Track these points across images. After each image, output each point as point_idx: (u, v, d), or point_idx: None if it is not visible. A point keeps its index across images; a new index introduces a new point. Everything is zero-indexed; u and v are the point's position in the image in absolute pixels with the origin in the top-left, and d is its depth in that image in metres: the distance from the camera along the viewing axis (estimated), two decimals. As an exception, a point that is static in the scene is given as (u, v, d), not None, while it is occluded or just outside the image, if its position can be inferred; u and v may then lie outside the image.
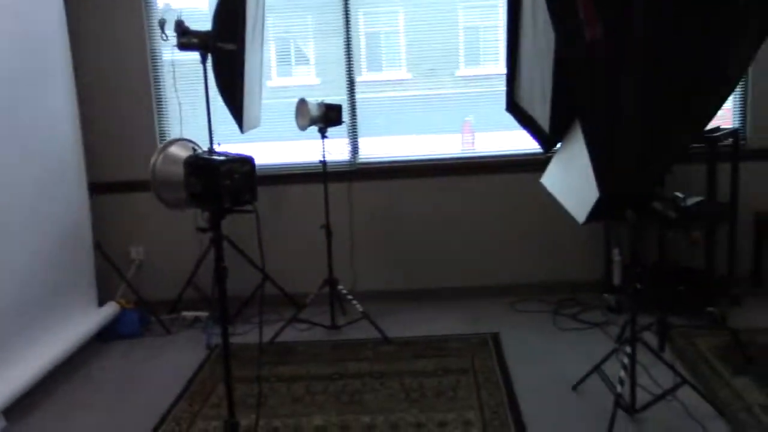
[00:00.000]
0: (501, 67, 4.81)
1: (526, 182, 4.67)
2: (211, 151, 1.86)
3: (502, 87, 4.76)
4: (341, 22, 4.65)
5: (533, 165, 4.64)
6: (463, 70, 4.86)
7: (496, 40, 4.78)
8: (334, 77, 4.75)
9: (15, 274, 3.58)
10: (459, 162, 4.74)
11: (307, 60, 4.96)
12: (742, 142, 4.51)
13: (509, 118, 4.52)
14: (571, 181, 3.04)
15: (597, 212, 2.68)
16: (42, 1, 3.92)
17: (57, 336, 3.89)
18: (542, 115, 3.43)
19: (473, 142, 4.88)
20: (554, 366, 3.73)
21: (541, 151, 4.71)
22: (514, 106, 3.72)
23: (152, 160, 1.92)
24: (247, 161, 1.81)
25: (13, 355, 3.52)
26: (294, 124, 4.10)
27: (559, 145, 3.43)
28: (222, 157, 1.78)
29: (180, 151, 1.91)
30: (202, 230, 1.90)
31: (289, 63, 4.96)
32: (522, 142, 4.68)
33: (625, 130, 2.37)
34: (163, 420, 3.33)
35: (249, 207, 1.83)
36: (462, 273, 4.80)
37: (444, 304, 4.71)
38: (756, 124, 4.56)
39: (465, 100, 4.83)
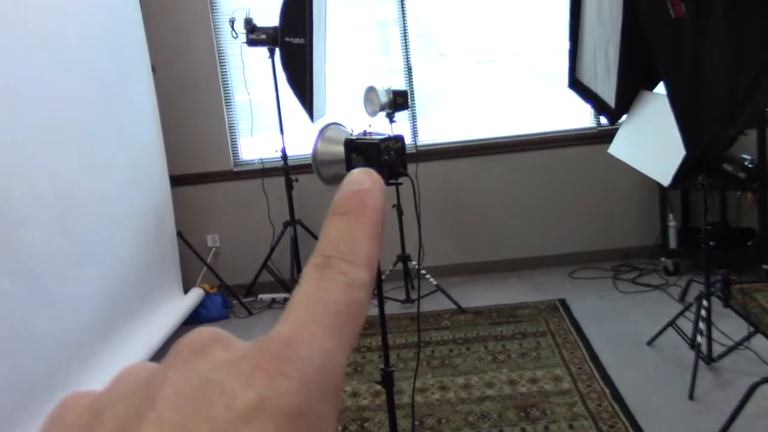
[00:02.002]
0: (511, 49, 5.04)
1: (577, 156, 4.92)
2: (365, 132, 2.10)
3: (512, 69, 5.06)
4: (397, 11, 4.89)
5: (583, 139, 4.90)
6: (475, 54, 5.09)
7: (506, 25, 5.00)
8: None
9: (112, 265, 3.82)
10: (511, 140, 4.97)
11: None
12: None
13: (518, 100, 4.86)
14: (647, 148, 3.27)
15: (678, 175, 2.91)
16: (121, 6, 4.16)
17: (152, 322, 4.14)
18: (606, 90, 3.66)
19: (487, 124, 5.11)
20: (624, 325, 3.97)
21: (589, 126, 5.01)
22: (576, 83, 3.95)
23: (314, 143, 2.17)
24: (399, 139, 2.06)
25: (115, 343, 3.76)
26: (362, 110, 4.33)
27: (624, 117, 3.65)
28: (379, 136, 2.02)
29: (335, 134, 2.15)
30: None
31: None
32: (543, 122, 4.95)
33: (710, 94, 2.59)
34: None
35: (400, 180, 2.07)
36: (520, 245, 5.04)
37: (506, 274, 4.96)
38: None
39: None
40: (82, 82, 3.59)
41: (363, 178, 0.30)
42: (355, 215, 0.28)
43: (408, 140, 4.96)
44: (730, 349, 3.40)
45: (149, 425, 0.23)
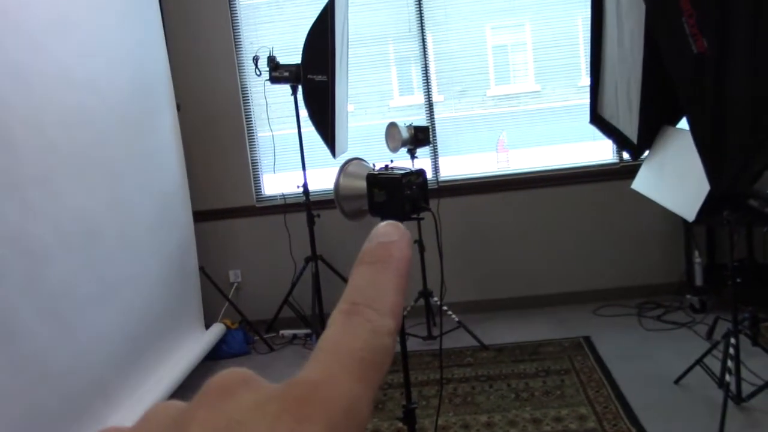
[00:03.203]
0: (530, 85, 5.06)
1: (600, 191, 4.89)
2: (387, 166, 2.10)
3: (532, 105, 5.07)
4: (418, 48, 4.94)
5: (605, 175, 4.87)
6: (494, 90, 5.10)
7: (525, 61, 5.01)
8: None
9: (135, 301, 3.83)
10: (534, 175, 4.96)
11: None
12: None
13: (539, 135, 4.87)
14: (671, 183, 3.24)
15: (703, 210, 2.88)
16: (150, 47, 4.24)
17: (173, 358, 4.14)
18: (628, 126, 3.65)
19: (508, 160, 5.12)
20: (650, 364, 3.90)
21: (611, 161, 5.00)
22: (597, 118, 3.94)
23: (336, 177, 2.18)
24: (421, 173, 2.06)
25: (137, 379, 3.76)
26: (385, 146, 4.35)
27: (647, 152, 3.63)
28: (401, 171, 2.03)
29: (357, 169, 2.16)
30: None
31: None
32: (565, 157, 4.93)
33: (733, 130, 2.57)
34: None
35: (422, 215, 2.07)
36: (544, 281, 5.00)
37: (529, 311, 4.91)
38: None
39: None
40: (109, 120, 3.64)
41: (390, 231, 0.30)
42: (382, 265, 0.29)
43: (429, 175, 4.97)
44: (760, 389, 3.31)
45: None
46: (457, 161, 5.07)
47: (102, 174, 3.50)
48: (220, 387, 0.27)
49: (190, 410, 0.26)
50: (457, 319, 4.43)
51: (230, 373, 0.27)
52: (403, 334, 2.29)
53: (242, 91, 4.99)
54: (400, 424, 2.69)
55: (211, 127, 4.96)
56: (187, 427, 0.25)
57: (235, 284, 5.10)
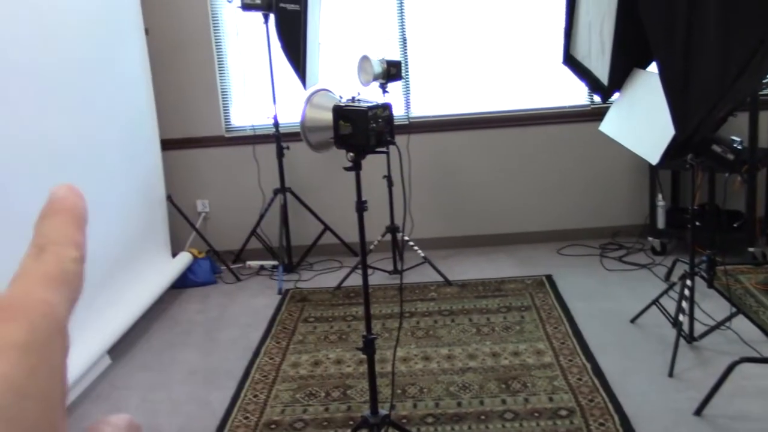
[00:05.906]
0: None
1: (569, 133, 4.92)
2: (353, 99, 2.09)
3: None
4: (393, -19, 4.85)
5: (576, 117, 4.89)
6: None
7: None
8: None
9: (100, 228, 3.80)
10: (504, 115, 4.96)
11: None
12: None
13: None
14: (637, 126, 3.27)
15: (667, 154, 2.92)
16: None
17: (139, 286, 4.15)
18: (599, 67, 3.65)
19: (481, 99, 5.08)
20: (609, 303, 4.00)
21: (583, 104, 5.01)
22: (570, 59, 3.94)
23: (302, 108, 2.16)
24: (387, 107, 2.06)
25: (104, 303, 3.77)
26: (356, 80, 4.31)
27: (616, 94, 3.64)
28: (367, 104, 2.02)
29: (323, 100, 2.15)
30: (347, 169, 2.12)
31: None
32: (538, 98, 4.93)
33: (700, 75, 2.59)
34: (256, 354, 3.62)
35: (384, 149, 2.07)
36: (510, 220, 5.05)
37: (494, 249, 4.98)
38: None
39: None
40: (76, 44, 3.55)
41: (56, 189, 0.35)
42: (55, 214, 0.34)
43: (401, 111, 4.95)
44: (712, 329, 3.43)
45: None
46: (429, 98, 5.03)
47: (67, 99, 3.43)
48: None
49: None
50: (422, 255, 4.49)
51: None
52: (364, 267, 2.32)
53: (213, 17, 4.88)
54: (363, 356, 2.74)
55: (180, 54, 4.86)
56: None
57: (203, 214, 5.09)
